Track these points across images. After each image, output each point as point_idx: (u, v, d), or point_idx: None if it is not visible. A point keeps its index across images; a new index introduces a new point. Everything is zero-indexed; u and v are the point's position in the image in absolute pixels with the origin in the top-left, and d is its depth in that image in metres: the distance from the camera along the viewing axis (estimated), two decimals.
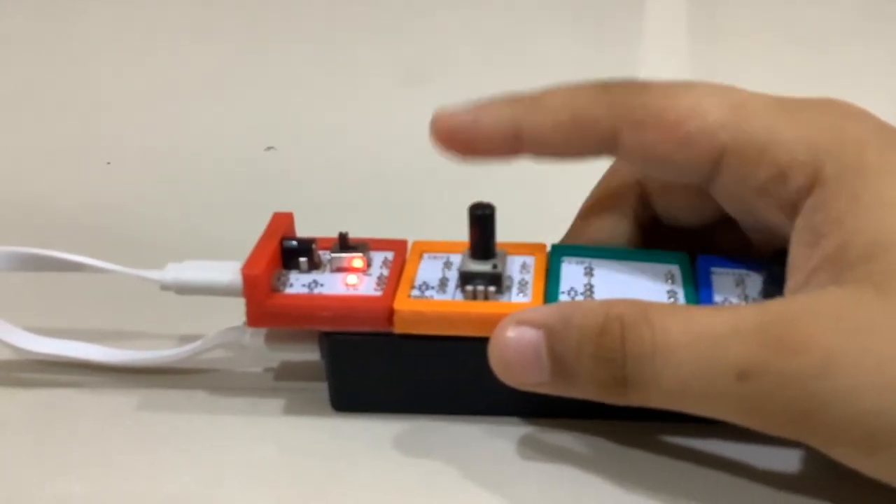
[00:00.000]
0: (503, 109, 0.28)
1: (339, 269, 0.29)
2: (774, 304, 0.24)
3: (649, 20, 0.69)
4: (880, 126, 0.26)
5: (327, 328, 0.29)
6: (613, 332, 0.24)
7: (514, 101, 0.28)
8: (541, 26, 0.68)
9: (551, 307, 0.26)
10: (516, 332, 0.25)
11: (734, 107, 0.26)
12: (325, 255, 0.30)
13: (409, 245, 0.31)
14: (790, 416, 0.23)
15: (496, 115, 0.28)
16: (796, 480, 0.27)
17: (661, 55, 0.63)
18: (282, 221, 0.30)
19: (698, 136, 0.26)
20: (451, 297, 0.28)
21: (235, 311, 0.29)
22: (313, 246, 0.30)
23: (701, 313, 0.24)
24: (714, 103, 0.26)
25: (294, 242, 0.30)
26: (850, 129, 0.26)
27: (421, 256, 0.30)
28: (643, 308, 0.25)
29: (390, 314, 0.28)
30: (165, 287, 0.30)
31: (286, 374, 0.32)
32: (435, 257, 0.30)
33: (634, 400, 0.25)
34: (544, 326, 0.25)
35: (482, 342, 0.26)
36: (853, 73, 0.57)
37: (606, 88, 0.28)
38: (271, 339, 0.30)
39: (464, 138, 0.28)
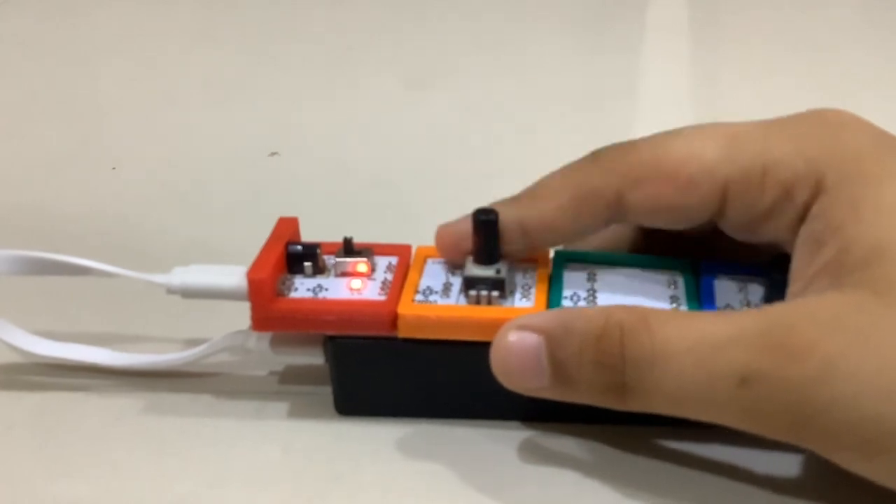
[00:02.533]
0: (504, 211, 0.28)
1: (344, 274, 0.30)
2: (774, 310, 0.24)
3: (651, 26, 0.69)
4: (877, 133, 0.26)
5: (331, 332, 0.29)
6: (613, 339, 0.24)
7: (512, 200, 0.29)
8: (543, 31, 0.68)
9: (552, 313, 0.26)
10: (517, 337, 0.26)
11: (726, 140, 0.26)
12: (329, 259, 0.30)
13: (413, 250, 0.31)
14: (790, 422, 0.23)
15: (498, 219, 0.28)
16: (796, 484, 0.27)
17: (662, 61, 0.63)
18: (287, 226, 0.30)
19: (699, 177, 0.26)
20: (455, 302, 0.28)
21: (241, 314, 0.29)
22: (318, 251, 0.30)
23: (701, 319, 0.25)
24: (705, 142, 0.27)
25: (299, 247, 0.30)
26: (848, 138, 0.26)
27: (425, 261, 0.30)
28: (643, 314, 0.25)
29: (394, 318, 0.28)
30: (171, 291, 0.30)
31: (291, 377, 0.32)
32: (439, 262, 0.30)
33: (634, 406, 0.25)
34: (545, 332, 0.25)
35: (485, 347, 0.26)
36: (855, 80, 0.58)
37: (596, 158, 0.28)
38: (276, 342, 0.30)
39: (468, 247, 0.29)
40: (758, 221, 0.27)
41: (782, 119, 0.27)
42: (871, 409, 0.22)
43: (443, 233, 0.30)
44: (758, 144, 0.26)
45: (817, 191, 0.25)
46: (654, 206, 0.27)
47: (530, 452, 0.29)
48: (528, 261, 0.30)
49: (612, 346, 0.24)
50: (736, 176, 0.26)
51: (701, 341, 0.24)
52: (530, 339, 0.25)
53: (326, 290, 0.29)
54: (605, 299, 0.28)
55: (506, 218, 0.28)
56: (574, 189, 0.28)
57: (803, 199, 0.25)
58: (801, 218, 0.26)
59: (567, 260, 0.30)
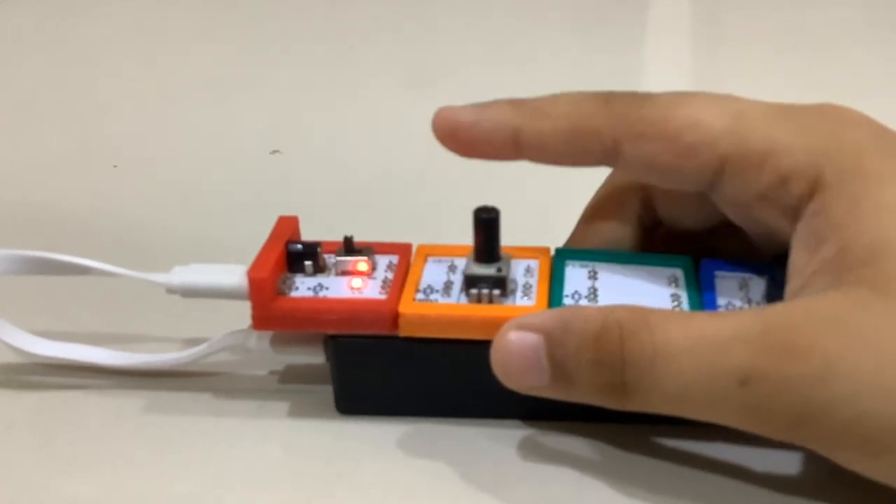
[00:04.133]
0: (504, 114, 0.28)
1: (344, 273, 0.30)
2: (774, 309, 0.24)
3: (652, 25, 0.69)
4: (879, 131, 0.26)
5: (332, 331, 0.29)
6: (612, 338, 0.24)
7: (516, 105, 0.28)
8: (544, 30, 0.68)
9: (552, 312, 0.26)
10: (517, 336, 0.26)
11: (734, 115, 0.26)
12: (330, 258, 0.30)
13: (414, 249, 0.31)
14: (791, 421, 0.23)
15: (497, 118, 0.28)
16: (796, 483, 0.27)
17: (663, 60, 0.63)
18: (287, 225, 0.30)
19: (699, 147, 0.26)
20: (456, 301, 0.28)
21: (241, 314, 0.29)
22: (318, 249, 0.30)
23: (701, 319, 0.24)
24: (714, 113, 0.26)
25: (299, 246, 0.30)
26: (850, 135, 0.26)
27: (425, 260, 0.30)
28: (643, 314, 0.25)
29: (395, 317, 0.28)
30: (171, 290, 0.30)
31: (291, 376, 0.32)
32: (439, 261, 0.30)
33: (634, 405, 0.25)
34: (544, 331, 0.25)
35: (486, 345, 0.26)
36: (857, 79, 0.58)
37: (608, 99, 0.28)
38: (277, 342, 0.30)
39: (463, 138, 0.28)
40: (751, 203, 0.27)
41: (791, 107, 0.27)
42: (872, 408, 0.22)
43: (444, 115, 0.29)
44: (763, 127, 0.26)
45: (815, 186, 0.25)
46: (649, 164, 0.27)
47: (530, 451, 0.29)
48: (530, 259, 0.30)
49: (612, 345, 0.24)
50: (735, 154, 0.26)
51: (701, 341, 0.24)
52: (530, 338, 0.25)
53: (327, 288, 0.29)
54: (606, 297, 0.28)
55: (502, 120, 0.28)
56: (577, 121, 0.27)
57: (799, 191, 0.25)
58: (796, 209, 0.26)
59: (568, 258, 0.30)
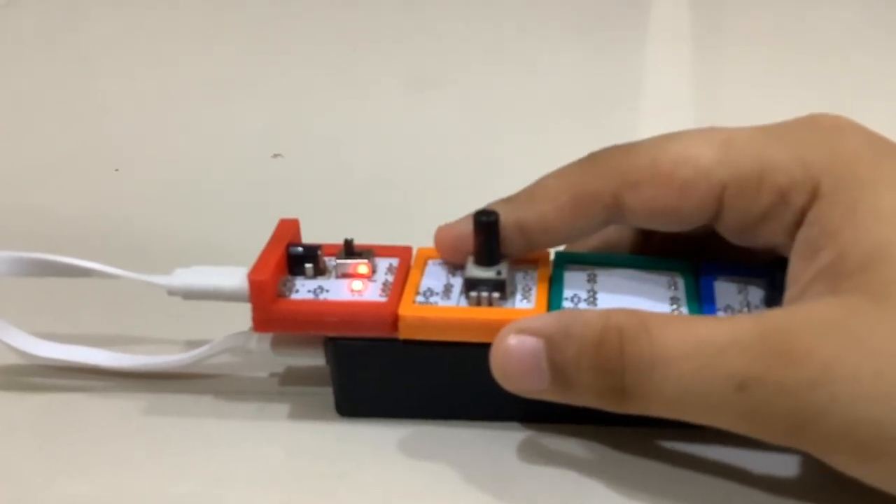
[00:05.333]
0: (502, 213, 0.28)
1: (345, 276, 0.30)
2: (772, 315, 0.24)
3: (654, 28, 0.69)
4: (872, 138, 0.26)
5: (332, 333, 0.29)
6: (612, 343, 0.24)
7: (510, 201, 0.29)
8: (546, 33, 0.68)
9: (552, 316, 0.26)
10: (517, 340, 0.26)
11: (721, 144, 0.27)
12: (330, 261, 0.30)
13: (414, 251, 0.31)
14: (788, 426, 0.23)
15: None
16: (793, 486, 0.27)
17: (665, 63, 0.63)
18: (288, 228, 0.31)
19: (695, 181, 0.26)
20: (456, 304, 0.29)
21: (242, 316, 0.29)
22: (319, 252, 0.30)
23: (700, 324, 0.25)
24: (702, 146, 0.27)
25: (300, 248, 0.30)
26: (843, 143, 0.26)
27: (426, 263, 0.30)
28: (642, 318, 0.25)
29: (395, 320, 0.28)
30: (172, 292, 0.30)
31: (292, 378, 0.32)
32: (439, 264, 0.30)
33: (633, 409, 0.25)
34: (544, 335, 0.25)
35: (486, 348, 0.26)
36: (858, 83, 0.58)
37: (594, 160, 0.28)
38: (277, 344, 0.30)
39: (468, 249, 0.29)
40: (754, 225, 0.27)
41: (779, 124, 0.27)
42: (869, 413, 0.22)
43: (443, 234, 0.30)
44: (754, 149, 0.26)
45: (813, 196, 0.25)
46: (651, 208, 0.27)
47: (530, 453, 0.29)
48: (529, 262, 0.30)
49: (612, 349, 0.24)
50: (732, 180, 0.26)
51: (700, 346, 0.24)
52: (530, 342, 0.26)
53: (327, 291, 0.29)
54: (605, 301, 0.28)
55: (504, 219, 0.28)
56: (572, 190, 0.28)
57: (800, 204, 0.25)
58: (798, 222, 0.26)
59: (567, 261, 0.30)
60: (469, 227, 0.28)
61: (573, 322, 0.25)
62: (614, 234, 0.32)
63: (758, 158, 0.26)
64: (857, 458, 0.23)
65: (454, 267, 0.30)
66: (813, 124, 0.27)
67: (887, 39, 0.66)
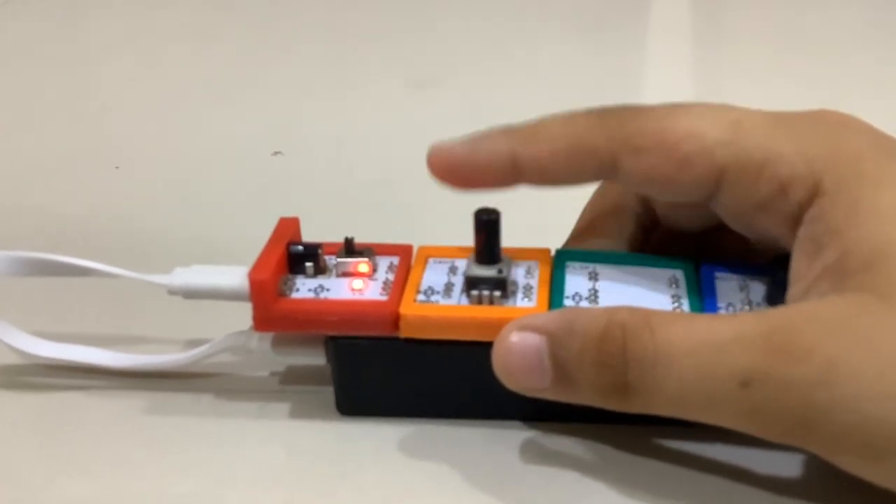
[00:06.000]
0: (499, 141, 0.28)
1: (345, 274, 0.30)
2: (776, 312, 0.24)
3: (653, 27, 0.69)
4: (877, 136, 0.26)
5: (333, 332, 0.29)
6: (615, 340, 0.24)
7: (510, 131, 0.28)
8: (546, 32, 0.68)
9: (554, 313, 0.26)
10: (519, 337, 0.26)
11: (731, 125, 0.26)
12: (331, 259, 0.30)
13: (415, 250, 0.31)
14: (792, 424, 0.23)
15: (492, 146, 0.28)
16: (796, 485, 0.27)
17: (665, 62, 0.63)
18: (288, 226, 0.30)
19: (697, 157, 0.26)
20: (457, 302, 0.28)
21: (242, 315, 0.29)
22: (319, 251, 0.30)
23: (703, 321, 0.25)
24: (710, 123, 0.26)
25: (300, 247, 0.30)
26: (848, 141, 0.26)
27: (426, 261, 0.30)
28: (645, 315, 0.25)
29: (396, 319, 0.28)
30: (173, 291, 0.30)
31: (292, 377, 0.32)
32: (440, 262, 0.30)
33: (636, 407, 0.25)
34: (547, 333, 0.25)
35: (487, 347, 0.26)
36: (858, 81, 0.58)
37: (602, 115, 0.28)
38: (278, 343, 0.30)
39: (461, 171, 0.28)
40: (751, 213, 0.27)
41: (787, 114, 0.27)
42: (873, 412, 0.22)
43: (439, 156, 0.29)
44: (760, 136, 0.26)
45: (815, 192, 0.25)
46: (648, 176, 0.27)
47: (531, 452, 0.29)
48: (530, 260, 0.30)
49: (615, 347, 0.24)
50: (733, 163, 0.26)
51: (703, 343, 0.24)
52: (532, 339, 0.25)
53: (328, 290, 0.29)
54: (606, 299, 0.28)
55: (498, 147, 0.28)
56: (573, 140, 0.27)
57: (799, 199, 0.25)
58: (797, 216, 0.26)
59: (569, 259, 0.30)
60: (467, 152, 0.28)
61: (576, 319, 0.25)
62: (615, 233, 0.31)
63: (763, 147, 0.26)
64: (861, 458, 0.23)
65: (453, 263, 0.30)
66: (822, 120, 0.27)
67: (888, 38, 0.66)
